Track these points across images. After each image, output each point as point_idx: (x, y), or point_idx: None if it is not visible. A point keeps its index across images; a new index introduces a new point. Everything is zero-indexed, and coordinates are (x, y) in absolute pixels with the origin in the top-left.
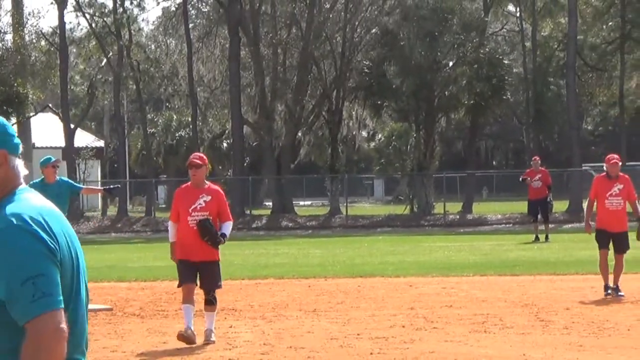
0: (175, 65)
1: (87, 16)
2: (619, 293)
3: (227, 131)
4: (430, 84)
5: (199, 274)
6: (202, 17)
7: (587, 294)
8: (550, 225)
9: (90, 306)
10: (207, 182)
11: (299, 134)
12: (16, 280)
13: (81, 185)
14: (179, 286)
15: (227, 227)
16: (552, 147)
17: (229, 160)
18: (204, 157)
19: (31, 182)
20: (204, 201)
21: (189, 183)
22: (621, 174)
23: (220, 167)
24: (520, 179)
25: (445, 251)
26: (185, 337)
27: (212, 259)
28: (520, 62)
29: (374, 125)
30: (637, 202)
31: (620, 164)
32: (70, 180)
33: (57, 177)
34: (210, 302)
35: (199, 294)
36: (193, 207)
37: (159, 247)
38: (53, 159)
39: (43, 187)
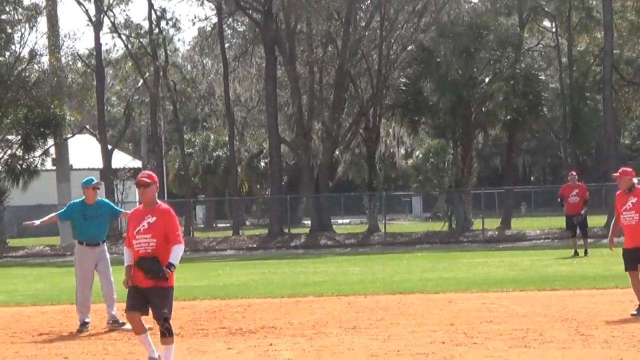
0: (211, 85)
1: (123, 37)
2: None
3: (264, 150)
4: (466, 100)
5: (149, 301)
6: (237, 37)
7: (627, 308)
8: (589, 240)
9: (130, 326)
10: (159, 201)
11: (337, 152)
12: None
13: (121, 209)
14: (125, 311)
15: (175, 254)
16: (589, 162)
17: (266, 180)
18: (153, 174)
19: (72, 202)
20: (148, 223)
21: (142, 204)
22: (639, 186)
23: (258, 187)
24: (559, 199)
25: (485, 267)
26: None
27: (161, 285)
28: (556, 78)
29: (411, 142)
30: None
31: (629, 177)
32: (110, 203)
33: (98, 199)
34: (164, 335)
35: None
36: (137, 229)
37: (198, 267)
38: (95, 181)
39: (83, 208)
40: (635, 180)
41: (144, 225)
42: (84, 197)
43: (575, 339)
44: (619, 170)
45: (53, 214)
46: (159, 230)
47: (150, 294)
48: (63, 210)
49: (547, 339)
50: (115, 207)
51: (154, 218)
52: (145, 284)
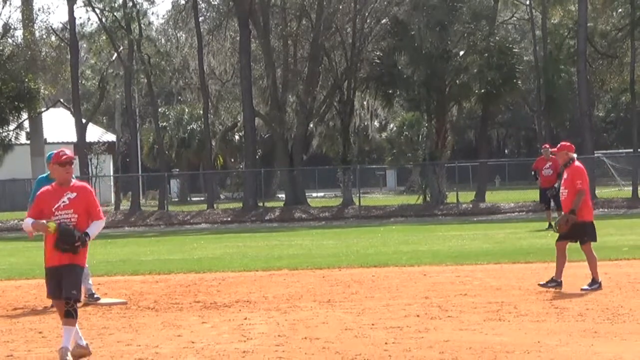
0: (185, 58)
1: (97, 11)
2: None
3: (238, 123)
4: (441, 73)
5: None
6: (211, 10)
7: (601, 281)
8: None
9: (104, 300)
10: (73, 178)
11: (311, 125)
12: None
13: None
14: (47, 297)
15: (94, 227)
16: (563, 134)
17: (241, 153)
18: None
19: (38, 178)
20: (68, 198)
21: (53, 183)
22: (577, 164)
23: (232, 160)
24: (532, 172)
25: (459, 240)
26: (78, 354)
27: (72, 262)
28: (530, 50)
29: (386, 115)
30: (578, 193)
31: (565, 151)
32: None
33: None
34: (69, 315)
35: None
36: (57, 206)
37: (172, 241)
38: None
39: (48, 182)
40: (574, 155)
41: (64, 201)
42: (49, 172)
43: (549, 312)
44: (558, 145)
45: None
46: (81, 206)
47: (63, 272)
48: (31, 196)
49: (522, 312)
50: None
51: (74, 194)
52: (59, 261)
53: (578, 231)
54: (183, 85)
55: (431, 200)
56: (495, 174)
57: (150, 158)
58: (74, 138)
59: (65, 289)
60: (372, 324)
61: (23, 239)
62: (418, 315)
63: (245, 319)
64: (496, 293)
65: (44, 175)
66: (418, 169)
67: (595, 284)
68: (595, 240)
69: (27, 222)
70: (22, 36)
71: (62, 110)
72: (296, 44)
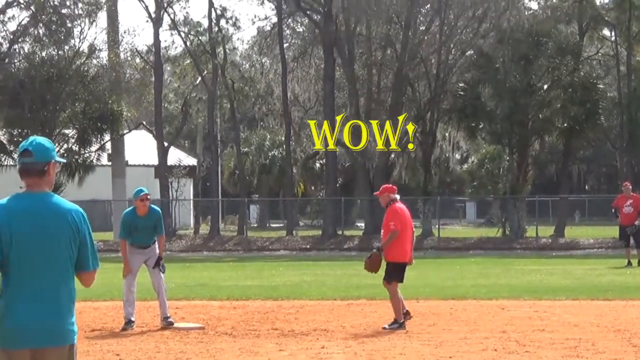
0: (269, 84)
1: (182, 35)
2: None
3: (320, 151)
4: (524, 107)
5: None
6: (297, 37)
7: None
8: None
9: (182, 324)
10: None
11: (392, 155)
12: None
13: (162, 231)
14: None
15: None
16: None
17: (321, 181)
18: None
19: (124, 214)
20: None
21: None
22: (397, 205)
23: (312, 188)
24: (613, 210)
25: (538, 275)
26: None
27: None
28: (614, 87)
29: (467, 147)
30: (391, 233)
31: (387, 193)
32: (160, 218)
33: (152, 207)
34: None
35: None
36: None
37: (251, 267)
38: (142, 192)
39: (134, 219)
40: (396, 196)
41: None
42: (135, 207)
43: (627, 350)
44: (380, 188)
45: (122, 243)
46: None
47: None
48: (120, 231)
49: (600, 350)
50: (162, 225)
51: None
52: None
53: (385, 269)
54: (266, 111)
55: (510, 233)
56: (575, 210)
57: (231, 183)
58: (155, 161)
59: None
60: (450, 357)
61: (101, 260)
62: (496, 350)
63: (323, 347)
64: (574, 329)
65: (130, 209)
66: (498, 202)
67: (395, 324)
68: (401, 281)
69: None
70: (106, 57)
71: (144, 132)
72: (380, 73)
